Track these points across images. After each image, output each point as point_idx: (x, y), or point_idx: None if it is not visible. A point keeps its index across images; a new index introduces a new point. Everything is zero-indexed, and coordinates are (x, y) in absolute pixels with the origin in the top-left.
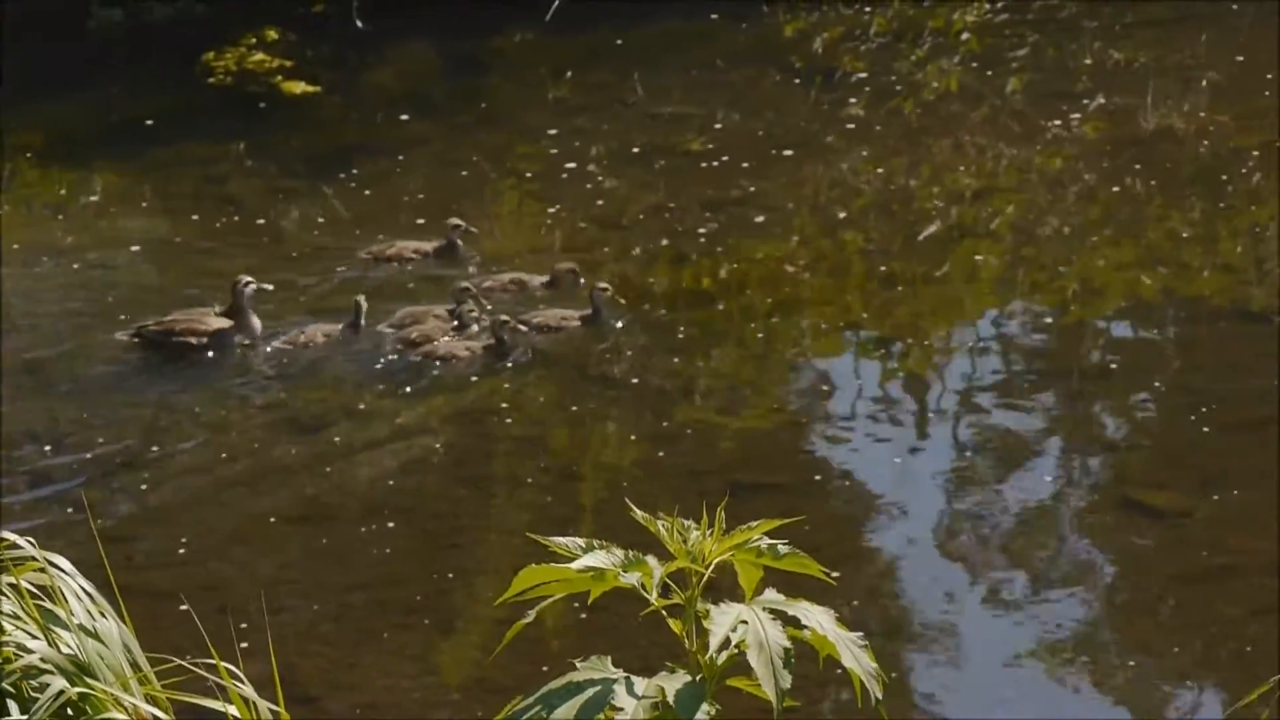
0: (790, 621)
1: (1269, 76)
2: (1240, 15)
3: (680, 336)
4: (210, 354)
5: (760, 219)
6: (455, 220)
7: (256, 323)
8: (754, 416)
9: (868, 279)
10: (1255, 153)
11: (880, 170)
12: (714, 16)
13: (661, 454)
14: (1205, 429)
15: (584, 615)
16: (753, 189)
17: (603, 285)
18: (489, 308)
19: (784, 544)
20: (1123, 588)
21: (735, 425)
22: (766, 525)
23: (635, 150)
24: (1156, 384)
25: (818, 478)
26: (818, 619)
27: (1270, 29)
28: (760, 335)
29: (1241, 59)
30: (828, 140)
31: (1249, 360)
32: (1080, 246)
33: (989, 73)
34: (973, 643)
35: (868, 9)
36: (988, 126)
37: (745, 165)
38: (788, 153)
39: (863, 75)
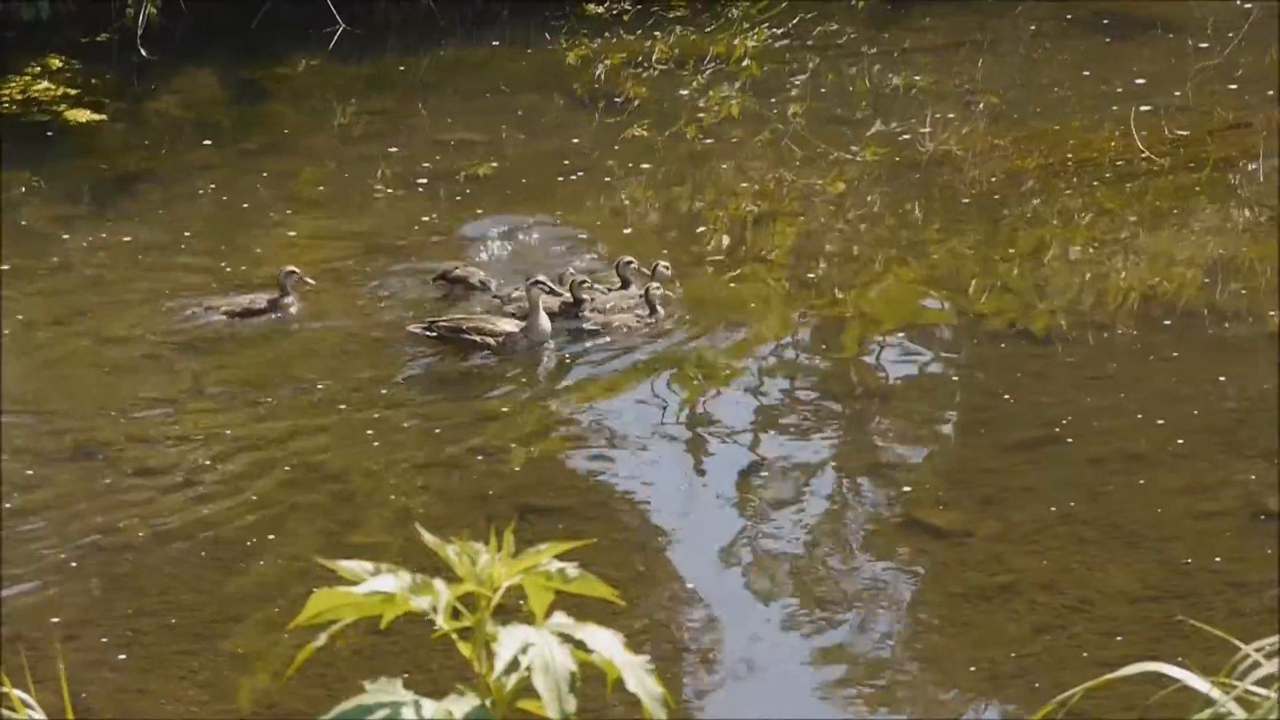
0: (578, 644)
1: (1046, 100)
2: (1015, 41)
3: (468, 361)
4: None
5: (546, 245)
6: (539, 277)
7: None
8: (542, 440)
9: (656, 307)
10: (1033, 176)
11: (664, 195)
12: (495, 43)
13: (451, 479)
14: (986, 449)
15: (376, 639)
16: (538, 214)
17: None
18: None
19: (573, 567)
20: (906, 607)
21: (524, 449)
22: (556, 548)
23: (420, 175)
24: (937, 405)
25: (606, 501)
26: (605, 642)
27: (1046, 54)
28: (529, 362)
29: (1019, 84)
30: (611, 165)
31: (1028, 381)
32: (862, 269)
33: (770, 98)
34: (759, 664)
35: (653, 35)
36: (769, 151)
37: (530, 190)
38: (573, 177)
39: (645, 101)
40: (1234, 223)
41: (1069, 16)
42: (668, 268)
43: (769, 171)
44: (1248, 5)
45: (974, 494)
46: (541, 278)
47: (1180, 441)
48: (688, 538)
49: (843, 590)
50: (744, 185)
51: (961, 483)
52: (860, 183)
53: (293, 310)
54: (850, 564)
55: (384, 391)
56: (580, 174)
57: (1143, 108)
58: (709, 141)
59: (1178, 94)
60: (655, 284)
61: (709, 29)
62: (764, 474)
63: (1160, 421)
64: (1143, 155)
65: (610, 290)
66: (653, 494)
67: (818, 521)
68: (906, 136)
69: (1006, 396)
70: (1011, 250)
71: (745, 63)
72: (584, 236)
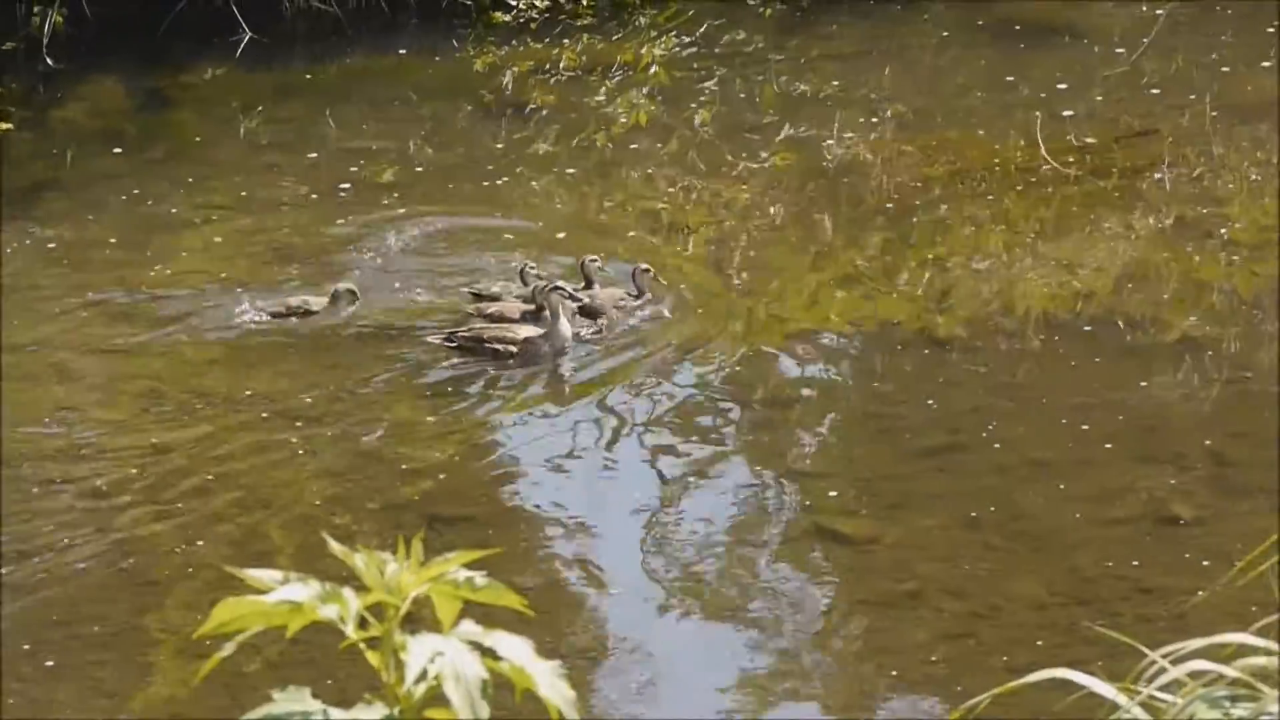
0: (488, 652)
1: (954, 108)
2: (922, 49)
3: (370, 370)
4: None
5: (448, 253)
6: (558, 283)
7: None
8: (449, 448)
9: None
10: (941, 184)
11: (573, 202)
12: (403, 52)
13: (360, 488)
14: (893, 456)
15: (284, 648)
16: (446, 220)
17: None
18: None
19: (482, 575)
20: (813, 614)
21: (431, 458)
22: (464, 557)
23: (328, 184)
24: (845, 411)
25: (515, 510)
26: (516, 648)
27: (954, 61)
28: (438, 371)
29: (926, 91)
30: (520, 172)
31: (934, 388)
32: (770, 276)
33: (678, 106)
34: (668, 671)
35: (561, 43)
36: (678, 159)
37: (438, 197)
38: (483, 185)
39: (554, 109)
40: (1140, 230)
41: (977, 24)
42: (648, 269)
43: (678, 179)
44: (1159, 12)
45: (881, 501)
46: (561, 283)
47: (1087, 448)
48: (596, 546)
49: (750, 598)
50: (652, 193)
51: (868, 489)
52: (768, 190)
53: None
54: (757, 572)
55: (307, 400)
56: (488, 181)
57: (1050, 115)
58: (617, 149)
59: (1085, 101)
60: (642, 265)
61: (616, 37)
62: (672, 482)
63: (1067, 428)
64: (1048, 164)
65: (577, 289)
66: (561, 503)
67: (725, 529)
68: (815, 144)
69: (914, 403)
70: (919, 257)
71: (653, 70)
72: (493, 242)
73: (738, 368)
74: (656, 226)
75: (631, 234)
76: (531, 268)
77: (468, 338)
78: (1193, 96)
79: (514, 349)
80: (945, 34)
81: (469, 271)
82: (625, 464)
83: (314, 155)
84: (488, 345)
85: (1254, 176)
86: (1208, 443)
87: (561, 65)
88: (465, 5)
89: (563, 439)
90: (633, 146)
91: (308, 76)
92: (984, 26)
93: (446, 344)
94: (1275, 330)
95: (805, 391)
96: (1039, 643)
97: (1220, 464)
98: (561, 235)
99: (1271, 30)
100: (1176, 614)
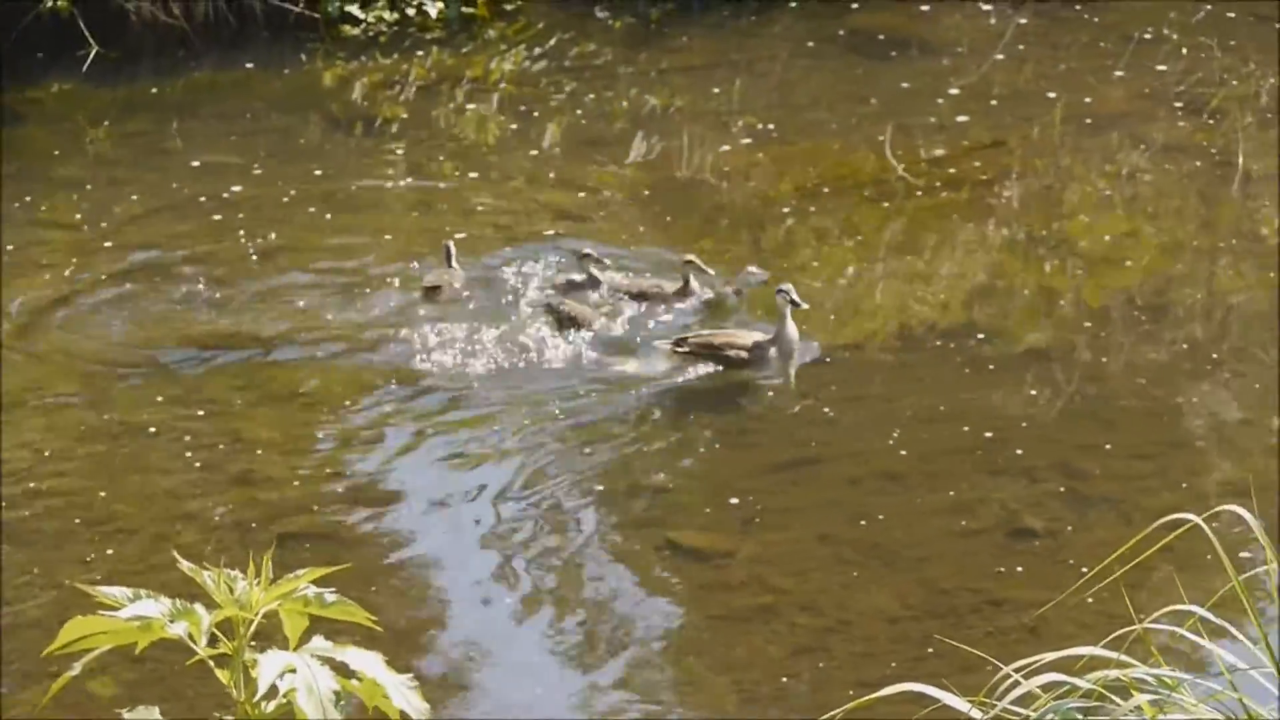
0: (339, 667)
1: (804, 120)
2: (772, 61)
3: (220, 387)
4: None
5: (298, 268)
6: (783, 286)
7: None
8: (300, 465)
9: (414, 325)
10: (791, 197)
11: (423, 217)
12: (250, 66)
13: (209, 505)
14: (746, 470)
15: (134, 667)
16: (295, 234)
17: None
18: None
19: (331, 592)
20: (667, 630)
21: (280, 475)
22: (313, 574)
23: (176, 198)
24: (697, 426)
25: (365, 527)
26: (367, 662)
27: (805, 73)
28: (305, 385)
29: (776, 104)
30: (370, 185)
31: (787, 400)
32: (627, 286)
33: (528, 119)
34: (519, 685)
35: (410, 57)
36: (528, 171)
37: (288, 211)
38: (332, 198)
39: (403, 122)
40: (990, 242)
41: (827, 36)
42: (692, 259)
43: (527, 191)
44: (1020, 20)
45: (734, 515)
46: (786, 286)
47: (939, 461)
48: (447, 563)
49: (603, 613)
50: (502, 205)
51: (721, 504)
52: (620, 204)
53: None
54: (611, 587)
55: (157, 415)
56: (338, 194)
57: (900, 127)
58: (467, 162)
59: (935, 113)
60: (687, 256)
61: (465, 50)
62: (524, 498)
63: (919, 441)
64: (899, 176)
65: (677, 289)
66: (413, 519)
67: (577, 545)
68: (665, 156)
69: (767, 416)
70: (771, 269)
71: (502, 84)
72: (344, 255)
73: (590, 382)
74: (509, 238)
75: (478, 248)
76: (587, 253)
77: (699, 344)
78: (1041, 108)
79: (745, 354)
80: (795, 46)
81: (316, 287)
82: (475, 480)
83: (161, 170)
84: (720, 351)
85: (1102, 187)
86: (1057, 455)
87: (411, 79)
88: (313, 19)
89: (416, 456)
90: (482, 159)
91: (154, 91)
92: (834, 39)
93: (676, 349)
94: (1123, 341)
95: (657, 406)
96: (892, 656)
97: (1070, 476)
98: (411, 247)
99: (1121, 41)
100: (1029, 626)
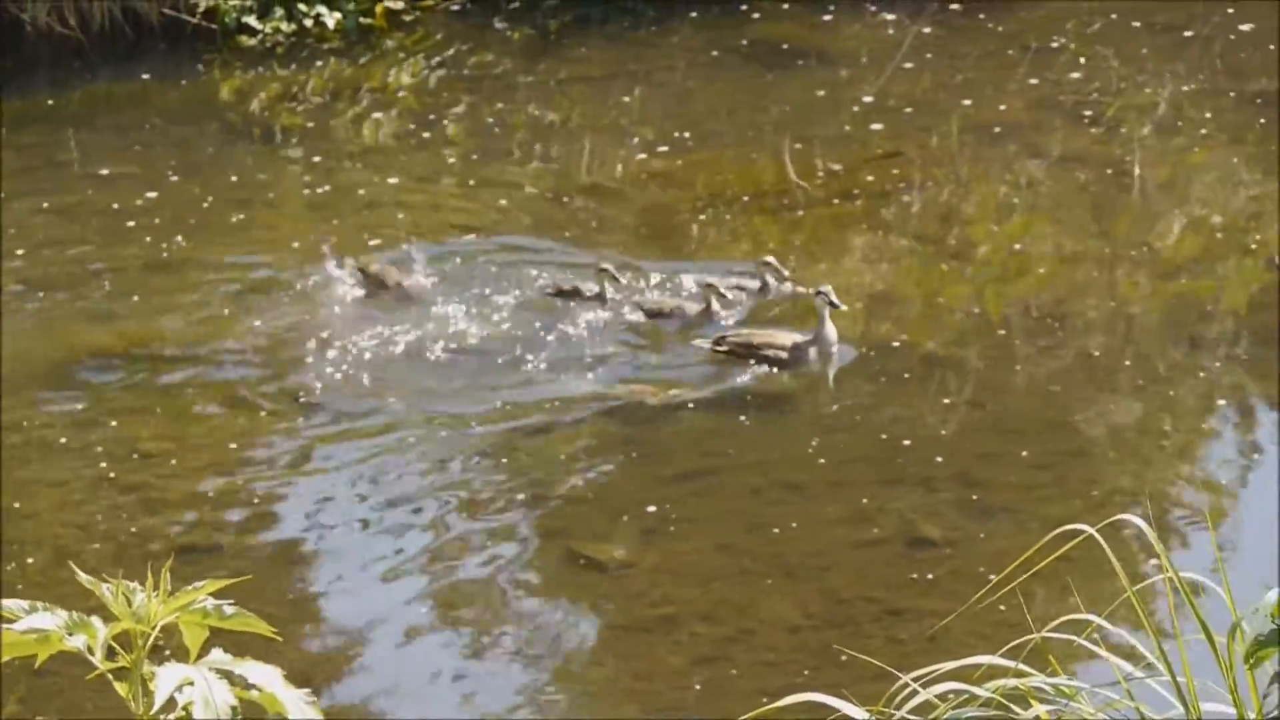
0: (237, 680)
1: (702, 131)
2: (671, 71)
3: (122, 398)
4: None
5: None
6: (822, 288)
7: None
8: (200, 478)
9: (304, 341)
10: (689, 207)
11: (322, 227)
12: (146, 76)
13: (108, 517)
14: (647, 481)
15: (32, 681)
16: (194, 245)
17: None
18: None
19: (230, 604)
20: (568, 641)
21: (182, 487)
22: (212, 586)
23: (73, 210)
24: (597, 437)
25: (264, 539)
26: (265, 676)
27: (704, 84)
28: (207, 396)
29: (675, 115)
30: (271, 197)
31: (686, 411)
32: (520, 301)
33: (427, 130)
34: (419, 697)
35: (308, 68)
36: (427, 182)
37: (186, 222)
38: (231, 209)
39: (301, 133)
40: (889, 252)
41: (726, 48)
42: (769, 260)
43: (427, 202)
44: (920, 30)
45: (636, 526)
46: (825, 288)
47: (838, 470)
48: (348, 575)
49: (504, 625)
50: (401, 217)
51: (622, 515)
52: (521, 213)
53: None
54: (512, 599)
55: (56, 427)
56: (239, 205)
57: (799, 137)
58: (365, 173)
59: (834, 124)
60: (768, 258)
61: (364, 61)
62: (428, 510)
63: (819, 450)
64: (799, 185)
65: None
66: (314, 532)
67: (480, 556)
68: (565, 166)
69: (667, 427)
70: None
71: (401, 95)
72: (246, 266)
73: (489, 395)
74: (408, 250)
75: (379, 258)
76: (605, 268)
77: (738, 344)
78: (940, 117)
79: (784, 355)
80: (695, 56)
81: (218, 297)
82: (382, 494)
83: (58, 182)
84: (759, 351)
85: (1001, 197)
86: (956, 464)
87: (309, 90)
88: (210, 29)
89: (320, 468)
90: (383, 169)
91: (50, 103)
92: (733, 50)
93: (715, 349)
94: (1022, 351)
95: (556, 417)
96: (793, 665)
97: (968, 485)
98: (313, 258)
99: (1019, 51)
100: (928, 635)
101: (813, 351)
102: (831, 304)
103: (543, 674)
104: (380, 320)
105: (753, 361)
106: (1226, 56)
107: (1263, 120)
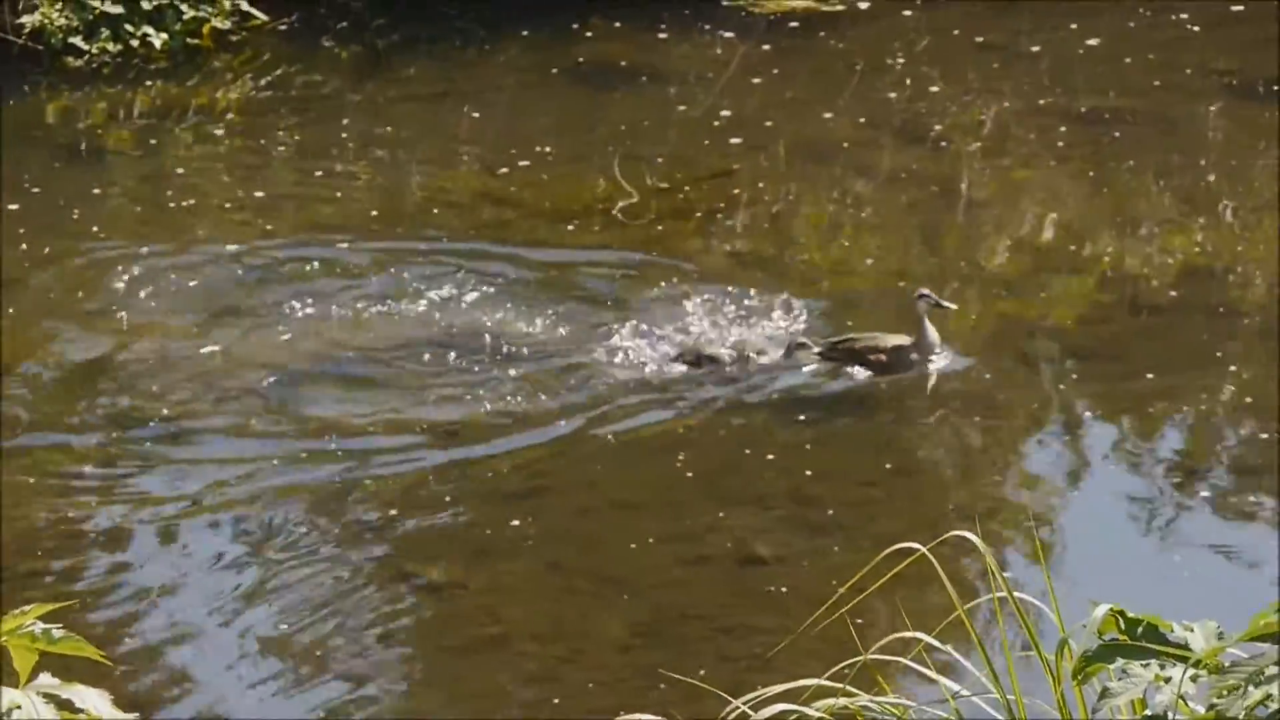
0: (65, 704)
1: (532, 151)
2: (499, 90)
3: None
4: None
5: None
6: (923, 290)
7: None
8: (29, 504)
9: (132, 363)
10: (518, 226)
11: (154, 245)
12: None
13: None
14: (476, 500)
15: None
16: (19, 268)
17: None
18: None
19: (59, 627)
20: (399, 662)
21: (12, 513)
22: (40, 610)
23: None
24: (426, 457)
25: (93, 564)
26: (93, 700)
27: (533, 103)
28: (36, 420)
29: (504, 133)
30: (93, 220)
31: (517, 431)
32: (351, 317)
33: (255, 150)
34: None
35: (136, 88)
36: (255, 203)
37: (12, 245)
38: (58, 231)
39: (129, 154)
40: (718, 272)
41: (555, 67)
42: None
43: (255, 222)
44: (749, 50)
45: (466, 546)
46: (926, 290)
47: (670, 490)
48: (180, 602)
49: (335, 646)
50: (232, 233)
51: (452, 535)
52: (348, 231)
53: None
54: (343, 620)
55: None
56: (66, 225)
57: (628, 156)
58: (191, 193)
59: (663, 142)
60: (925, 290)
61: (191, 81)
62: (257, 532)
63: (649, 469)
64: (628, 204)
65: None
66: (144, 557)
67: (311, 579)
68: (394, 184)
69: (497, 447)
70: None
71: (229, 114)
72: (73, 286)
73: (312, 415)
74: (244, 265)
75: (210, 272)
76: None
77: (844, 348)
78: (768, 137)
79: (884, 357)
80: (524, 76)
81: (45, 319)
82: (210, 519)
83: None
84: (862, 355)
85: (828, 215)
86: (787, 482)
87: (136, 111)
88: (36, 50)
89: (150, 494)
90: (212, 188)
91: None
92: (564, 69)
93: (824, 355)
94: (849, 369)
95: (384, 439)
96: (624, 685)
97: (799, 503)
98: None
99: (846, 70)
100: (756, 653)
101: (915, 354)
102: (938, 304)
103: (372, 696)
104: (217, 344)
105: (857, 366)
106: (1055, 74)
107: (1089, 137)
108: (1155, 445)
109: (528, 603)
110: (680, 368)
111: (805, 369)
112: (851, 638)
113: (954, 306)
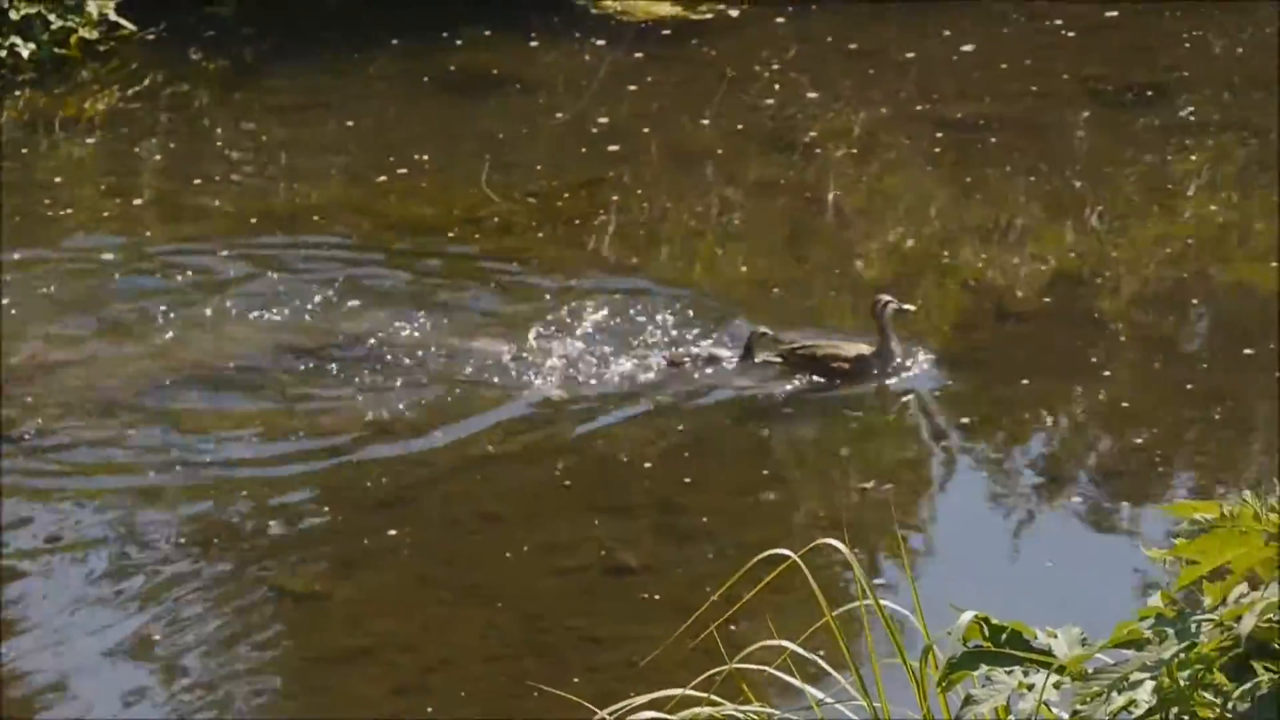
0: None
1: (403, 160)
2: (367, 99)
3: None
4: None
5: None
6: (884, 295)
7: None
8: None
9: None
10: (388, 236)
11: (23, 255)
12: None
13: None
14: (344, 510)
15: None
16: None
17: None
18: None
19: None
20: (263, 673)
21: None
22: None
23: None
24: (291, 465)
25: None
26: None
27: (401, 112)
28: None
29: (372, 143)
30: None
31: (385, 441)
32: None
33: (123, 161)
34: None
35: (9, 97)
36: (124, 214)
37: None
38: None
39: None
40: (585, 281)
41: (423, 76)
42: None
43: (128, 230)
44: (619, 58)
45: (332, 556)
46: (886, 295)
47: (537, 500)
48: (43, 617)
49: (201, 658)
50: (105, 241)
51: (318, 545)
52: (221, 240)
53: None
54: (208, 632)
55: None
56: None
57: (497, 165)
58: (58, 206)
59: (532, 151)
60: (886, 296)
61: (58, 91)
62: (119, 547)
63: (515, 480)
64: (497, 214)
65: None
66: (8, 574)
67: (177, 590)
68: (263, 194)
69: (368, 456)
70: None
71: (97, 124)
72: None
73: (182, 428)
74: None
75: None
76: (764, 331)
77: (804, 355)
78: (638, 145)
79: (845, 366)
80: (393, 85)
81: None
82: (76, 534)
83: None
84: (824, 364)
85: (697, 224)
86: (654, 491)
87: (3, 121)
88: None
89: (20, 500)
90: (79, 199)
91: None
92: (434, 78)
93: (783, 361)
94: (717, 377)
95: (260, 446)
96: (492, 696)
97: (667, 511)
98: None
99: (715, 79)
100: (625, 662)
101: (877, 363)
102: (900, 310)
103: (236, 706)
104: (76, 350)
105: (814, 376)
106: (927, 81)
107: (960, 144)
108: (1025, 452)
109: (394, 613)
110: (556, 377)
111: (696, 376)
112: (721, 647)
113: (913, 308)
